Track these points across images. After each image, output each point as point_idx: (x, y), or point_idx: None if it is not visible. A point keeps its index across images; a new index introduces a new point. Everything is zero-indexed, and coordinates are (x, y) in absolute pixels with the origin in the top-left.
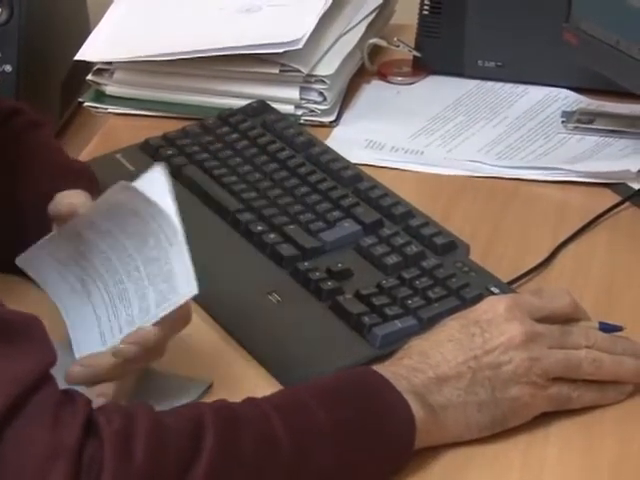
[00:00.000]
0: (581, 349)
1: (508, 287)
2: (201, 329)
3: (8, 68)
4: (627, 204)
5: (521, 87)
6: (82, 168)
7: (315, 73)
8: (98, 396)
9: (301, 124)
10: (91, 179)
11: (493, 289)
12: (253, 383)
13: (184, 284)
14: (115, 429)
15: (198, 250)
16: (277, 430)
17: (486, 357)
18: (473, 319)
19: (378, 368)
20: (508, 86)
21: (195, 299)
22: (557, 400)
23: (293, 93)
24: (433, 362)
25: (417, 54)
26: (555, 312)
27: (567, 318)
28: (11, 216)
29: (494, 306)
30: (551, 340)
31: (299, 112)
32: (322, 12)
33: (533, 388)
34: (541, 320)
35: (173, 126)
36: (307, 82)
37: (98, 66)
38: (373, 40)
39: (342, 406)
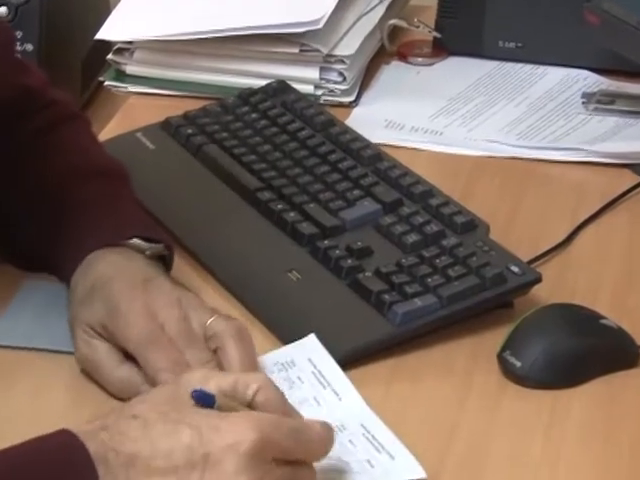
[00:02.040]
0: None
1: (528, 266)
2: (222, 307)
3: (29, 47)
4: None
5: (541, 68)
6: (112, 169)
7: (335, 53)
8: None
9: (321, 104)
10: (118, 180)
11: (513, 268)
12: None
13: None
14: None
15: (218, 229)
16: None
17: None
18: (205, 446)
19: (90, 444)
20: (528, 67)
21: (216, 277)
22: None
23: (313, 73)
24: (132, 475)
25: (437, 35)
26: (299, 458)
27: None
28: (20, 209)
29: (239, 437)
30: None
31: (319, 92)
32: None
33: None
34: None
35: (193, 105)
36: (327, 62)
37: (118, 45)
38: (393, 21)
39: None
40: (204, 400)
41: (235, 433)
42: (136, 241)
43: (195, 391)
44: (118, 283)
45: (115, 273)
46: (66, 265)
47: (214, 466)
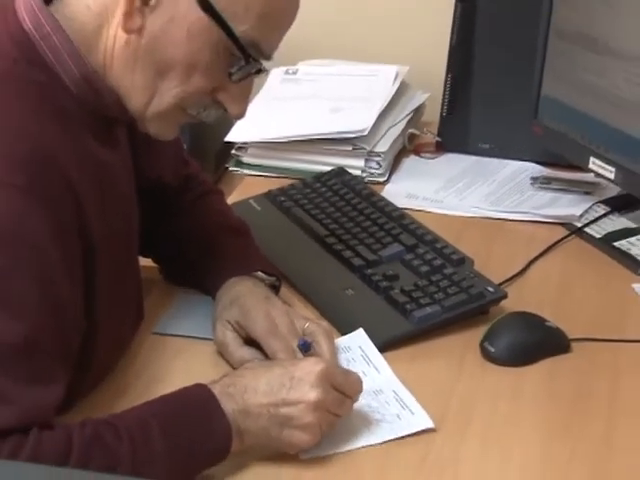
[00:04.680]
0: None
1: (498, 287)
2: (303, 311)
3: (184, 146)
4: (573, 236)
5: (505, 161)
6: (240, 226)
7: (375, 150)
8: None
9: (365, 182)
10: (245, 234)
11: (489, 288)
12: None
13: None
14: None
15: (300, 262)
16: (122, 457)
17: (283, 408)
18: (291, 373)
19: (215, 388)
20: (496, 160)
21: (300, 292)
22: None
23: (360, 162)
24: (245, 397)
25: (439, 139)
26: (345, 392)
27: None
28: (183, 249)
29: (311, 368)
30: (332, 407)
31: (364, 175)
32: (379, 112)
33: (309, 434)
34: (335, 388)
35: (286, 182)
36: (369, 156)
37: (239, 144)
38: (411, 130)
39: (179, 434)
40: (305, 346)
41: (309, 365)
42: (259, 274)
43: (301, 338)
44: (250, 298)
45: (247, 292)
46: (214, 285)
47: (297, 384)
